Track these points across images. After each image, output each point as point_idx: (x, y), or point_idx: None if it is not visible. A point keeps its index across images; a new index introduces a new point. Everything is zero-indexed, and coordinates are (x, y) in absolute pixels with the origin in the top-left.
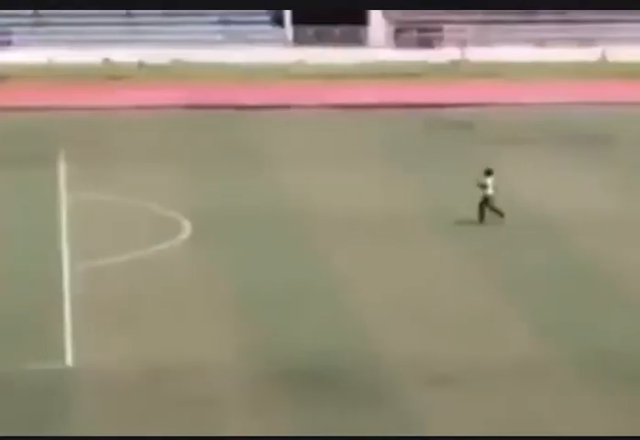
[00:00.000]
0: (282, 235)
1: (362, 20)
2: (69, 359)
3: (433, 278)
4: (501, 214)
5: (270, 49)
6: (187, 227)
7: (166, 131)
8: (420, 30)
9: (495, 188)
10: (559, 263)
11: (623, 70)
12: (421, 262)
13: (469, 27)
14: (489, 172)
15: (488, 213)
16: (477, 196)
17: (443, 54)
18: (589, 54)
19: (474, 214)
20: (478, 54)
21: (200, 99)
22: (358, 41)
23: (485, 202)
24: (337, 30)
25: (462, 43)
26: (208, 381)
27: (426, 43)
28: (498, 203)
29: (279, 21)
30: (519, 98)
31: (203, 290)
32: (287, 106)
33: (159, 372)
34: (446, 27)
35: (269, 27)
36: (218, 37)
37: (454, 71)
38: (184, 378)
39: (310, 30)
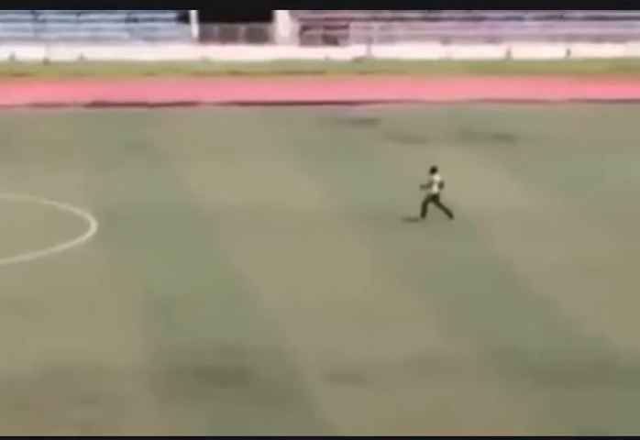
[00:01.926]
0: (189, 231)
1: (268, 18)
2: None
3: (339, 274)
4: (449, 214)
5: (176, 47)
6: (93, 225)
7: (72, 129)
8: (325, 28)
9: (440, 184)
10: (470, 259)
11: (528, 67)
12: (326, 258)
13: (375, 25)
14: (434, 170)
15: (434, 209)
16: (382, 191)
17: (348, 51)
18: (494, 51)
19: (379, 209)
20: (383, 51)
21: (106, 96)
22: (264, 39)
23: (432, 199)
24: (243, 28)
25: (367, 40)
26: (115, 379)
27: (332, 40)
28: (407, 200)
29: (185, 19)
30: (424, 95)
31: (109, 287)
32: (193, 104)
33: (65, 371)
34: (351, 24)
35: (175, 25)
36: (124, 34)
37: (359, 68)
38: (91, 376)
39: (216, 28)
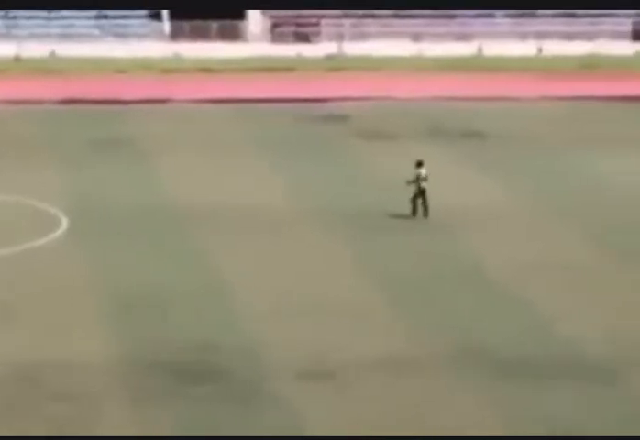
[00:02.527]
0: (161, 229)
1: (240, 15)
2: None
3: (312, 273)
4: (426, 212)
5: (148, 44)
6: (64, 222)
7: (43, 126)
8: (297, 25)
9: (426, 179)
10: (442, 257)
11: (498, 64)
12: (299, 257)
13: (346, 22)
14: (420, 164)
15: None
16: (354, 188)
17: (320, 48)
18: (465, 49)
19: (351, 206)
20: (354, 48)
21: (77, 93)
22: (236, 36)
23: (420, 194)
24: (215, 25)
25: (339, 37)
26: (85, 377)
27: (303, 38)
28: (379, 197)
29: (156, 16)
30: (395, 92)
31: (81, 285)
32: (165, 101)
33: (35, 369)
34: (322, 21)
35: (146, 22)
36: (96, 31)
37: (331, 65)
38: (62, 374)
39: (187, 25)
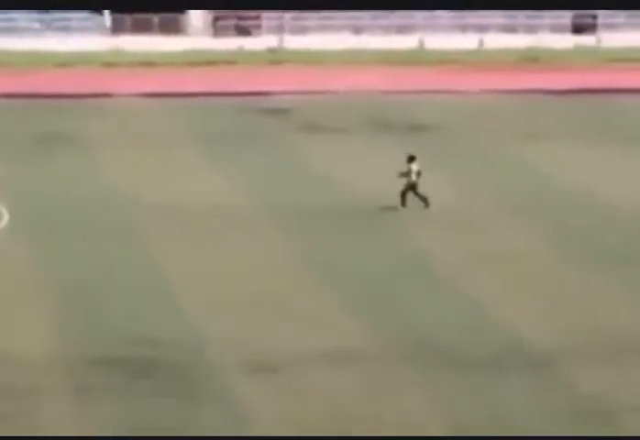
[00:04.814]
0: (103, 223)
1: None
2: None
3: (257, 268)
4: (426, 203)
5: (89, 38)
6: (5, 217)
7: None
8: (238, 18)
9: (418, 173)
10: (386, 252)
11: (440, 57)
12: (243, 252)
13: (286, 15)
14: (412, 158)
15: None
16: (296, 183)
17: (261, 42)
18: (406, 42)
19: (293, 201)
20: (295, 42)
21: (18, 87)
22: (177, 29)
23: (411, 188)
24: (156, 18)
25: (280, 31)
26: (24, 372)
27: (244, 31)
28: (320, 192)
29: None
30: (337, 85)
31: (21, 279)
32: (106, 95)
33: None
34: (263, 15)
35: (87, 16)
36: (37, 25)
37: (272, 58)
38: (1, 367)
39: (129, 18)
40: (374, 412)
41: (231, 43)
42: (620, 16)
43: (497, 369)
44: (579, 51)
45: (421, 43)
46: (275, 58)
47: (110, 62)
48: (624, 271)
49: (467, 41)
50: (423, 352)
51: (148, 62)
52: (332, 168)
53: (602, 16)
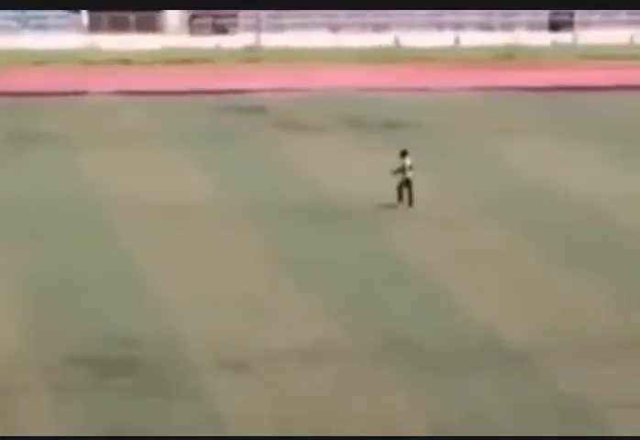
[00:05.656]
0: (79, 222)
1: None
2: None
3: (233, 267)
4: (411, 201)
5: (66, 36)
6: None
7: None
8: (215, 16)
9: (411, 168)
10: (362, 251)
11: (416, 55)
12: (220, 251)
13: (263, 14)
14: (404, 153)
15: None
16: (272, 181)
17: (238, 40)
18: (382, 39)
19: (271, 199)
20: (272, 40)
21: None
22: (154, 27)
23: (405, 184)
24: (133, 16)
25: (257, 29)
26: (1, 371)
27: (221, 29)
28: (297, 190)
29: None
30: (314, 83)
31: None
32: (83, 93)
33: None
34: (240, 13)
35: (64, 14)
36: (13, 23)
37: (249, 56)
38: None
39: (105, 16)
40: (351, 412)
41: (208, 41)
42: (596, 13)
43: (476, 368)
44: (555, 49)
45: (397, 41)
46: (252, 56)
47: (87, 60)
48: (602, 270)
49: (443, 39)
50: (401, 351)
51: (124, 60)
52: (309, 166)
53: (579, 13)
